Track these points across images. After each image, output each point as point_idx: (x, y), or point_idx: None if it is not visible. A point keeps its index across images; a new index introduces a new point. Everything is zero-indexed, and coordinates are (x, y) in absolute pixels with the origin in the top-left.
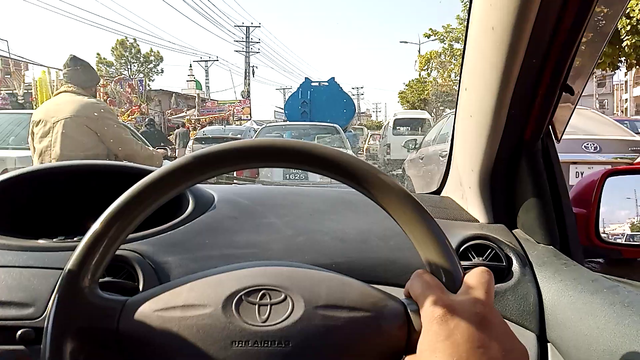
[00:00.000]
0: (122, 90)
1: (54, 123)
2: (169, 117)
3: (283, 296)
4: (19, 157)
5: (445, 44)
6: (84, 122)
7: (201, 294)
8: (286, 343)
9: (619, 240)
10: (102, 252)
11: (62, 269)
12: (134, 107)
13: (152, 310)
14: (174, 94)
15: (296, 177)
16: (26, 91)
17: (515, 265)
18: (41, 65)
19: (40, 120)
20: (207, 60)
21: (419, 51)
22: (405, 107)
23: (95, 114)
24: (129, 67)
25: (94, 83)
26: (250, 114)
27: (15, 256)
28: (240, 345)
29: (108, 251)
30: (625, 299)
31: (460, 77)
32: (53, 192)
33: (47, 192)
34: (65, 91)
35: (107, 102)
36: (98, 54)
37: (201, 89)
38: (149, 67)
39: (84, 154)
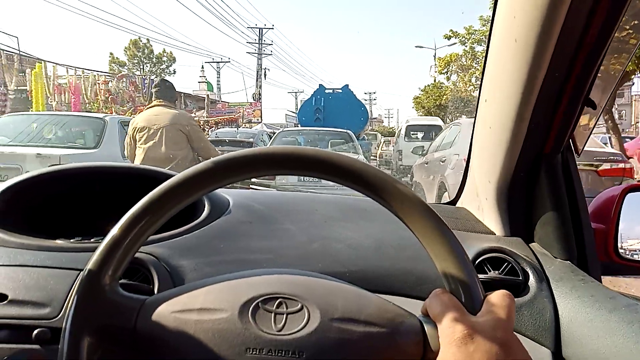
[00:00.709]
0: (124, 87)
1: (157, 129)
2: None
3: (299, 306)
4: (63, 155)
5: (466, 46)
6: (179, 128)
7: (218, 298)
8: (300, 354)
9: (637, 257)
10: (123, 252)
11: (80, 269)
12: (139, 107)
13: (169, 311)
14: (182, 94)
15: (310, 180)
16: (17, 87)
17: (532, 280)
18: (40, 59)
19: (144, 127)
20: (219, 62)
21: (435, 56)
22: (421, 113)
23: (185, 122)
24: (141, 67)
25: (175, 98)
26: (260, 117)
27: (33, 256)
28: (254, 352)
29: (130, 251)
30: None
31: (480, 88)
32: (71, 193)
33: (66, 192)
34: (157, 105)
35: (109, 99)
36: (111, 53)
37: (212, 90)
38: (161, 67)
39: (179, 151)
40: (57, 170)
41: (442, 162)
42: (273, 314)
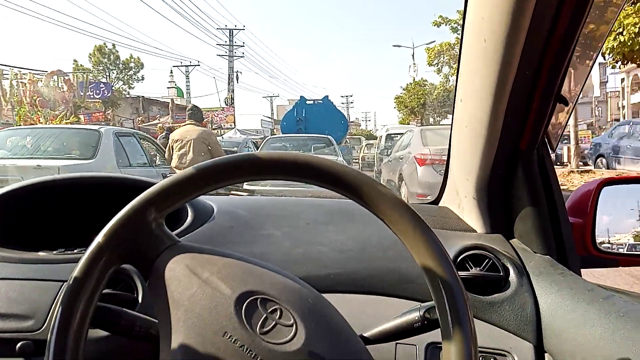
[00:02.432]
0: (56, 87)
1: (187, 140)
2: (139, 125)
3: (291, 322)
4: (62, 166)
5: (459, 33)
6: (203, 140)
7: (230, 275)
8: None
9: (620, 250)
10: (181, 194)
11: (63, 280)
12: (97, 113)
13: (185, 263)
14: (140, 99)
15: (294, 185)
16: None
17: (513, 276)
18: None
19: (178, 139)
20: (187, 65)
21: (413, 55)
22: (403, 113)
23: (207, 137)
24: (107, 74)
25: (202, 119)
26: (234, 122)
27: (16, 268)
28: (229, 339)
29: (184, 197)
30: (620, 309)
31: (455, 88)
32: (53, 204)
33: (48, 204)
34: (189, 123)
35: (38, 103)
36: (75, 60)
37: (182, 96)
38: (128, 74)
39: (202, 157)
40: (36, 182)
41: (401, 159)
42: (264, 316)
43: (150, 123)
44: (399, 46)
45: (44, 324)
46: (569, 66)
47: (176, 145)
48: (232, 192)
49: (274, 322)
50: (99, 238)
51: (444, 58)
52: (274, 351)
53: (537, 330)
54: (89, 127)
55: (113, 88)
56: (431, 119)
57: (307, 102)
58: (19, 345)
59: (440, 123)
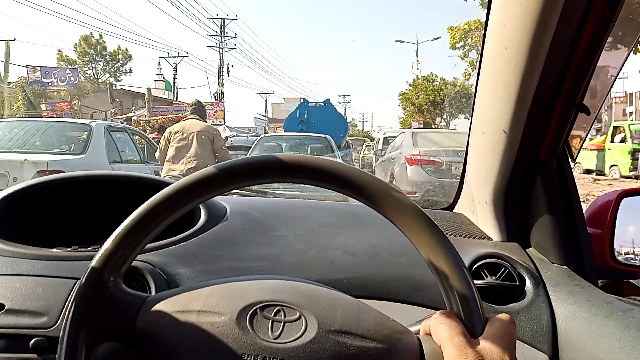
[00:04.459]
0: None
1: (189, 133)
2: (111, 118)
3: (297, 315)
4: (51, 161)
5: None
6: (206, 135)
7: (218, 301)
8: None
9: (634, 262)
10: (129, 248)
11: (77, 278)
12: (62, 103)
13: (169, 310)
14: (109, 86)
15: (306, 187)
16: None
17: (529, 285)
18: None
19: (178, 131)
20: (175, 57)
21: (417, 52)
22: (409, 111)
23: (212, 131)
24: (93, 65)
25: (205, 114)
26: (223, 118)
27: (30, 265)
28: (250, 358)
29: (134, 249)
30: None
31: (475, 94)
32: (69, 201)
33: (63, 201)
34: (192, 117)
35: None
36: (59, 50)
37: (170, 90)
38: (115, 66)
39: (204, 151)
40: (53, 179)
41: (393, 159)
42: (270, 321)
43: (124, 116)
44: (402, 41)
45: (57, 320)
46: (592, 76)
47: (175, 137)
48: (246, 192)
49: (282, 323)
50: (68, 325)
51: (471, 40)
52: (295, 348)
53: (552, 342)
54: (80, 121)
55: (98, 79)
56: (439, 119)
57: (310, 104)
58: (32, 341)
59: (451, 124)
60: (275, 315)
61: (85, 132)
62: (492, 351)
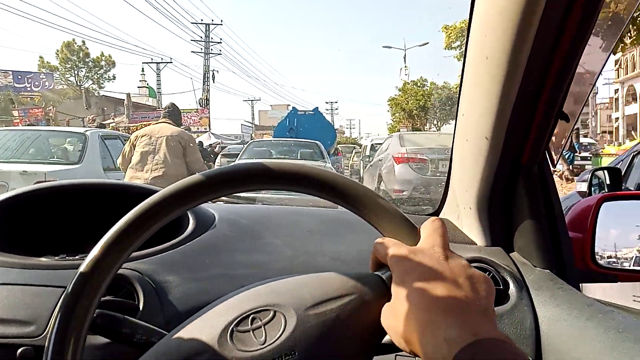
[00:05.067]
0: None
1: (157, 137)
2: (89, 125)
3: (272, 313)
4: (49, 172)
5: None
6: (177, 140)
7: (196, 341)
8: (292, 353)
9: (625, 265)
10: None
11: (65, 287)
12: (35, 109)
13: None
14: (83, 91)
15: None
16: None
17: (512, 289)
18: None
19: (144, 135)
20: (159, 62)
21: (405, 57)
22: (399, 116)
23: (184, 137)
24: (76, 72)
25: (180, 120)
26: (209, 125)
27: (18, 274)
28: None
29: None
30: (619, 325)
31: (458, 102)
32: (56, 210)
33: (51, 210)
34: (164, 122)
35: None
36: (41, 57)
37: (155, 97)
38: (98, 72)
39: (176, 159)
40: (41, 187)
41: (380, 161)
42: (251, 332)
43: (103, 122)
44: (390, 47)
45: (45, 329)
46: (571, 83)
47: (141, 141)
48: (233, 200)
49: (262, 327)
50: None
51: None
52: (286, 340)
53: (536, 344)
54: (75, 130)
55: (81, 86)
56: (429, 125)
57: (299, 112)
58: (19, 350)
59: (442, 129)
60: (252, 324)
61: (80, 142)
62: (425, 245)
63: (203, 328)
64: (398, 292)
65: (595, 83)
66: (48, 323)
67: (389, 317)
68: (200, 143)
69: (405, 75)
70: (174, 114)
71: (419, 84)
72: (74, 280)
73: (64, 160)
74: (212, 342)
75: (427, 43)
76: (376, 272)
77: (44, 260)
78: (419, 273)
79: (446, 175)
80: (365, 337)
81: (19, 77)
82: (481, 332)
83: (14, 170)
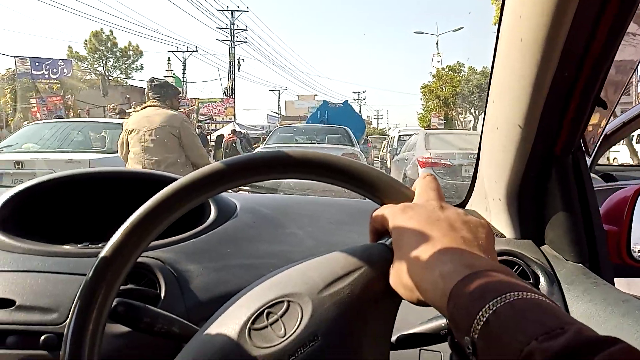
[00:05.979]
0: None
1: (145, 131)
2: (109, 114)
3: (286, 303)
4: (92, 160)
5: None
6: (170, 130)
7: (215, 348)
8: (316, 338)
9: None
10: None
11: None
12: (54, 97)
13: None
14: (100, 78)
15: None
16: None
17: (543, 283)
18: None
19: (133, 130)
20: (184, 51)
21: (437, 43)
22: (433, 103)
23: (174, 124)
24: (104, 62)
25: (173, 95)
26: (234, 115)
27: (41, 261)
28: None
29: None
30: None
31: (488, 89)
32: (80, 198)
33: (74, 198)
34: (151, 105)
35: None
36: (69, 47)
37: (180, 85)
38: (126, 62)
39: (170, 155)
40: (64, 175)
41: (405, 160)
42: (269, 327)
43: (123, 109)
44: (422, 33)
45: (67, 317)
46: (609, 69)
47: (131, 138)
48: (255, 189)
49: (278, 320)
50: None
51: None
52: (306, 328)
53: None
54: (113, 121)
55: (109, 76)
56: (466, 113)
57: (330, 105)
58: (42, 338)
59: (479, 118)
60: (268, 319)
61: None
62: (420, 200)
63: (218, 335)
64: (398, 248)
65: (635, 69)
66: (70, 310)
67: (394, 275)
68: (221, 136)
69: (438, 62)
70: (163, 90)
71: (455, 70)
72: (95, 264)
73: (104, 148)
74: (231, 348)
75: (462, 28)
76: (379, 242)
77: (66, 247)
78: (415, 223)
79: (470, 180)
80: (383, 306)
81: (37, 63)
82: (477, 266)
83: (61, 159)
